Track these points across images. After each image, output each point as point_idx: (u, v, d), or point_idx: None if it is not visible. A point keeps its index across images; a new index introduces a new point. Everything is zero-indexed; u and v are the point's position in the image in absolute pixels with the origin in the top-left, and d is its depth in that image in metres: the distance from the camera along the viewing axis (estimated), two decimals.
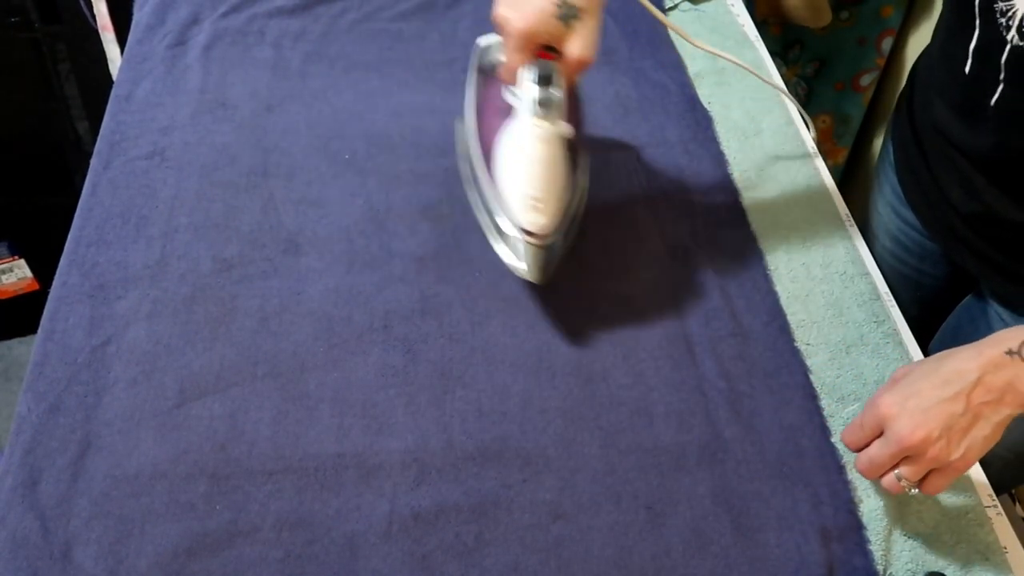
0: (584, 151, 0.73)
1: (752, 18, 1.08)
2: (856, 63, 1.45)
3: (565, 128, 0.66)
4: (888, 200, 0.90)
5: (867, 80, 1.47)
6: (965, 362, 0.55)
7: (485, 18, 1.01)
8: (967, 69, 0.69)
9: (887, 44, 1.42)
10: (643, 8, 1.04)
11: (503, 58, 0.66)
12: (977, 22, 0.66)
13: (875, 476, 0.59)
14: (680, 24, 1.05)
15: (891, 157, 0.88)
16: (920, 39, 1.41)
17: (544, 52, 0.64)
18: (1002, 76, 0.65)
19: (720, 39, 1.03)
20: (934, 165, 0.77)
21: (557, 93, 0.64)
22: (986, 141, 0.70)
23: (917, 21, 1.40)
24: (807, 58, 1.49)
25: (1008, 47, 0.63)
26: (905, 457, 0.56)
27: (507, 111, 0.69)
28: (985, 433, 0.55)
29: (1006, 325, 0.76)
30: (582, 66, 0.65)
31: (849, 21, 1.41)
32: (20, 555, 0.56)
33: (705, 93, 0.96)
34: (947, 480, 0.57)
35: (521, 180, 0.65)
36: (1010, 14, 0.62)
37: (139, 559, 0.56)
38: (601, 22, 0.65)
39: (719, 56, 0.83)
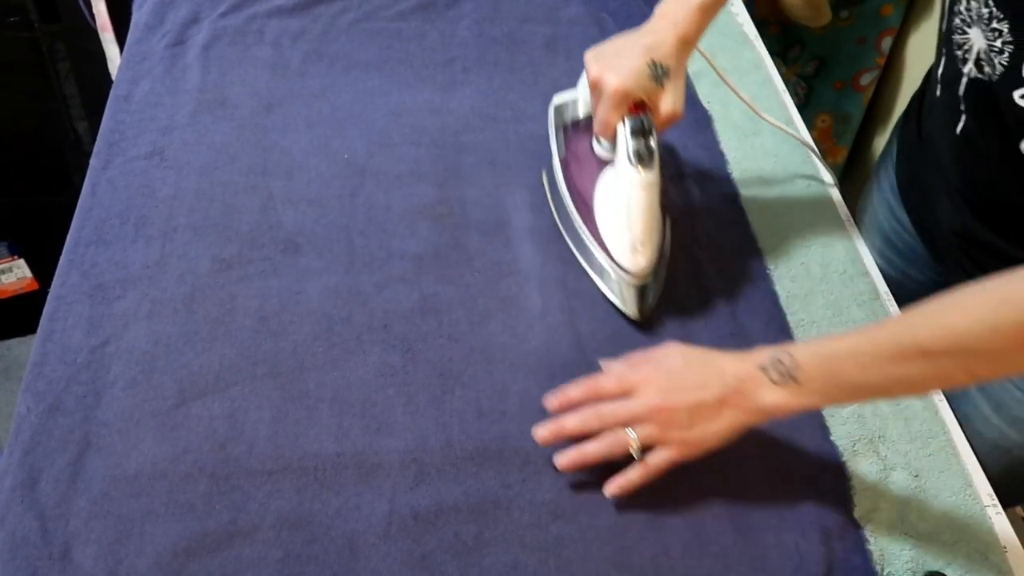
0: (668, 192, 0.79)
1: (752, 18, 1.08)
2: (856, 62, 1.45)
3: (659, 175, 0.71)
4: (886, 198, 0.90)
5: (867, 79, 1.47)
6: (728, 364, 0.60)
7: (485, 18, 1.01)
8: (937, 93, 0.71)
9: (887, 43, 1.42)
10: (641, 7, 1.05)
11: (597, 113, 0.71)
12: (944, 49, 0.67)
13: (606, 426, 0.61)
14: None
15: (894, 155, 0.88)
16: (920, 38, 1.41)
17: (634, 106, 0.69)
18: (963, 107, 0.66)
19: (720, 39, 1.03)
20: (931, 172, 0.78)
21: (652, 143, 0.69)
22: (956, 166, 0.71)
23: (917, 20, 1.40)
24: (807, 57, 1.49)
25: (965, 79, 0.65)
26: (647, 424, 0.60)
27: (597, 162, 0.76)
28: (719, 428, 0.59)
29: None
30: (673, 120, 0.71)
31: (849, 20, 1.41)
32: (19, 555, 0.56)
33: (705, 93, 0.96)
34: (668, 458, 0.60)
35: (623, 225, 0.71)
36: (966, 47, 0.63)
37: (138, 559, 0.56)
38: (685, 76, 0.71)
39: (775, 124, 0.86)
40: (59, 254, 0.73)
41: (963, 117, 0.67)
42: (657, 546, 0.61)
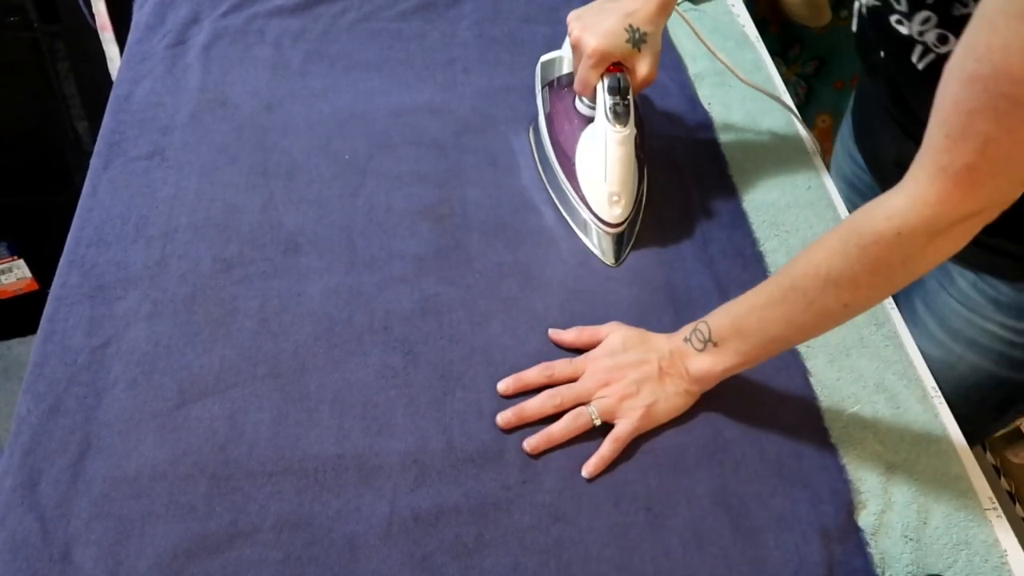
0: (645, 148, 0.83)
1: (752, 18, 1.08)
2: (856, 62, 1.45)
3: (634, 131, 0.76)
4: (846, 144, 0.95)
5: None
6: (661, 340, 0.67)
7: (485, 18, 1.01)
8: (854, 27, 0.76)
9: None
10: None
11: (577, 72, 0.76)
12: None
13: (564, 405, 0.65)
14: (680, 25, 1.04)
15: (853, 101, 0.94)
16: None
17: (613, 66, 0.74)
18: (873, 34, 0.71)
19: (720, 39, 1.03)
20: (873, 105, 0.82)
21: (628, 101, 0.74)
22: (885, 90, 0.76)
23: None
24: (807, 57, 1.49)
25: (864, 8, 0.70)
26: (600, 399, 0.65)
27: (578, 119, 0.80)
28: (668, 395, 0.65)
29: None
30: (647, 83, 0.76)
31: (848, 20, 1.40)
32: (20, 556, 0.56)
33: (705, 93, 0.96)
34: (630, 427, 0.64)
35: (600, 178, 0.76)
36: None
37: (139, 560, 0.56)
38: (661, 41, 0.75)
39: (759, 89, 0.88)
40: (59, 254, 0.73)
41: (878, 44, 0.71)
42: (657, 548, 0.61)
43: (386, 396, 0.66)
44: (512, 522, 0.61)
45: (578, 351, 0.70)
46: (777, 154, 0.91)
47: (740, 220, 0.83)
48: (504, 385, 0.67)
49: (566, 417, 0.65)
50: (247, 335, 0.69)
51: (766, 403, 0.69)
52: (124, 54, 0.92)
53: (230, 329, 0.69)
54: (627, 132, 0.74)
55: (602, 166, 0.75)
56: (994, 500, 0.67)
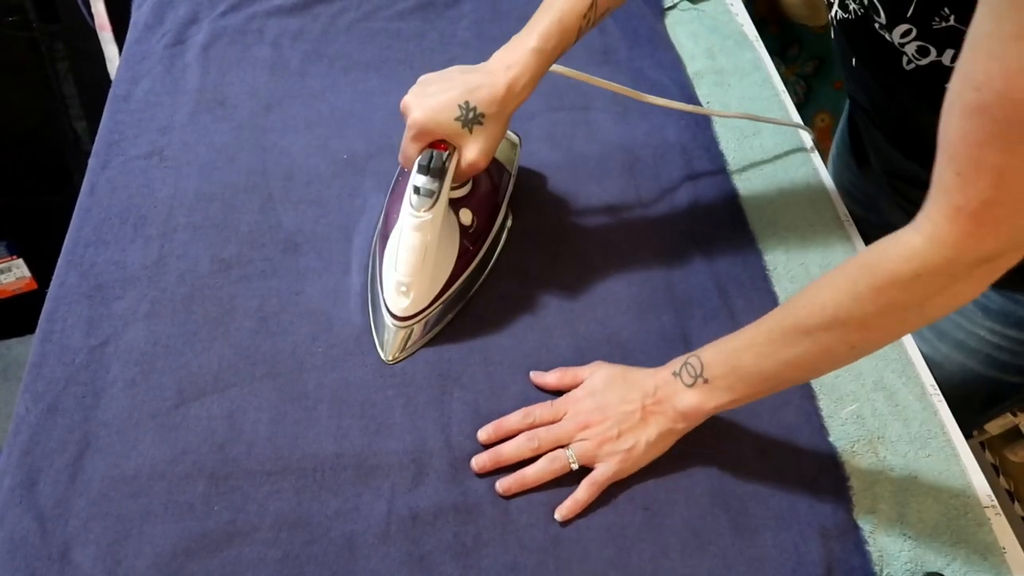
0: (486, 238, 0.74)
1: (751, 17, 1.08)
2: None
3: (466, 216, 0.70)
4: (840, 150, 0.96)
5: None
6: (646, 377, 0.64)
7: (484, 18, 1.01)
8: (832, 36, 0.76)
9: None
10: (641, 7, 1.05)
11: (402, 143, 0.67)
12: None
13: (541, 448, 0.63)
14: (679, 24, 1.05)
15: (847, 110, 0.95)
16: None
17: (440, 144, 0.65)
18: (845, 44, 0.72)
19: (719, 39, 1.03)
20: (860, 115, 0.83)
21: (437, 184, 0.64)
22: (863, 96, 0.76)
23: None
24: (806, 57, 1.49)
25: (835, 21, 0.70)
26: (580, 442, 0.63)
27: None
28: (649, 437, 0.62)
29: None
30: (474, 170, 0.66)
31: None
32: (18, 555, 0.56)
33: (704, 93, 0.96)
34: (608, 471, 0.62)
35: (393, 264, 0.68)
36: None
37: (137, 559, 0.56)
38: (506, 126, 0.66)
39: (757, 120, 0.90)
40: (58, 254, 0.73)
41: (852, 53, 0.71)
42: (656, 546, 0.61)
43: (384, 395, 0.66)
44: (510, 521, 0.61)
45: (561, 393, 0.67)
46: (776, 152, 0.91)
47: (739, 218, 0.83)
48: (485, 433, 0.64)
49: (542, 460, 0.63)
50: (246, 335, 0.69)
51: (764, 402, 0.69)
52: (123, 54, 0.92)
53: (228, 329, 0.69)
54: (426, 218, 0.64)
55: (395, 251, 0.67)
56: (993, 498, 0.67)
